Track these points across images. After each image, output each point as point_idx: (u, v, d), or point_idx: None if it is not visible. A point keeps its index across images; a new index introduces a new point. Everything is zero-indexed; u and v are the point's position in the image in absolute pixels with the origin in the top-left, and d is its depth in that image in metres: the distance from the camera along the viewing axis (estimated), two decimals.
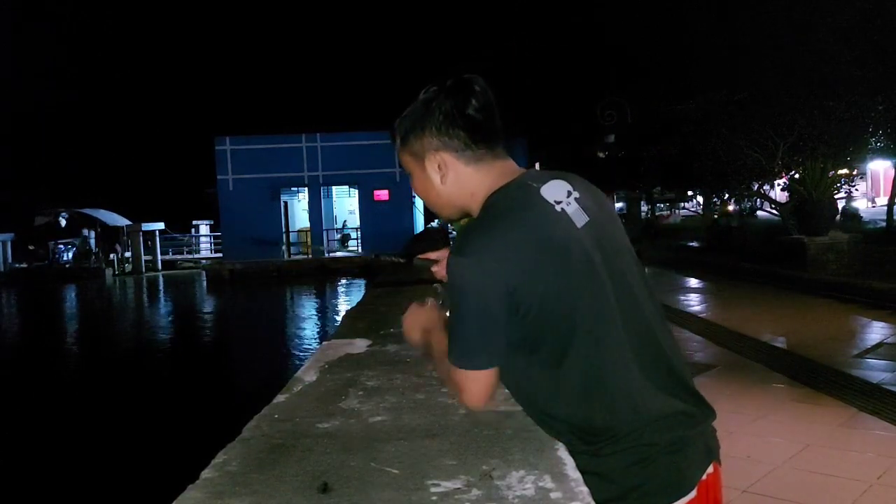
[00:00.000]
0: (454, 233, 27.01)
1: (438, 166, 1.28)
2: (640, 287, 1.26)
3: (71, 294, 26.05)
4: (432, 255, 1.55)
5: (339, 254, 28.55)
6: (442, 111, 1.25)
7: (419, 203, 29.63)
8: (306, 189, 28.38)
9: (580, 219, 1.22)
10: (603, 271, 1.20)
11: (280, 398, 2.36)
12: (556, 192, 1.23)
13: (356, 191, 28.56)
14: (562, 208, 1.21)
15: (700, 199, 23.88)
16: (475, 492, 1.48)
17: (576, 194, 1.25)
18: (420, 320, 1.42)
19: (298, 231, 29.09)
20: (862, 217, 17.75)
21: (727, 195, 15.38)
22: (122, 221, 32.22)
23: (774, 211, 14.25)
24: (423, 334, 1.40)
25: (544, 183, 1.24)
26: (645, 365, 1.20)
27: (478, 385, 1.23)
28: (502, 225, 1.18)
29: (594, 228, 1.23)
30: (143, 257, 31.44)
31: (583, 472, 1.25)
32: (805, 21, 10.72)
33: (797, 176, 12.76)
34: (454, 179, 1.28)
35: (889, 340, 6.84)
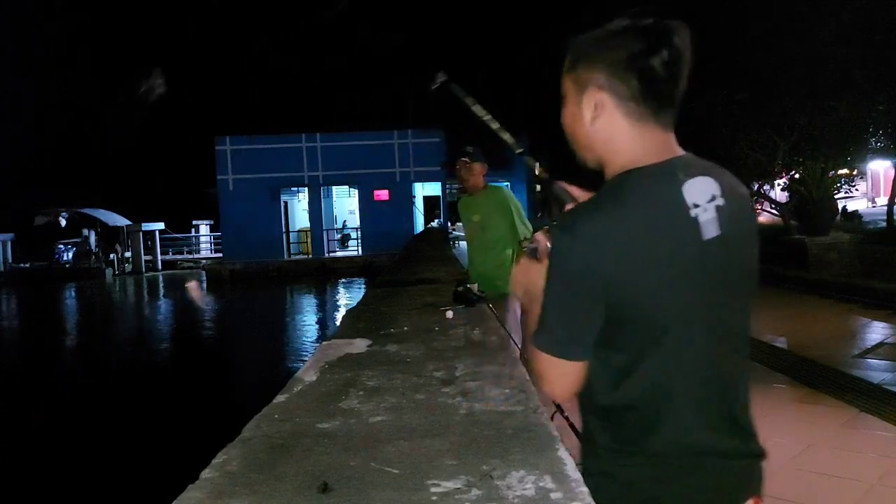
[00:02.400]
0: (454, 232, 27.01)
1: (595, 105, 1.16)
2: (737, 319, 1.18)
3: (71, 294, 26.06)
4: (575, 191, 1.37)
5: (339, 254, 28.56)
6: (626, 49, 1.11)
7: (419, 203, 29.63)
8: (306, 189, 28.42)
9: (710, 230, 1.11)
10: (708, 293, 1.11)
11: (280, 398, 2.35)
12: (699, 192, 1.12)
13: (356, 191, 28.59)
14: (695, 214, 1.10)
15: None
16: (475, 492, 1.47)
17: (719, 201, 1.13)
18: (525, 279, 1.29)
19: (298, 231, 29.13)
20: (862, 217, 17.76)
21: None
22: (122, 221, 32.27)
23: (774, 211, 14.26)
24: (526, 296, 1.29)
25: (691, 178, 1.12)
26: (709, 393, 1.15)
27: (561, 376, 1.15)
28: (622, 213, 1.08)
29: (721, 245, 1.11)
30: (143, 257, 31.49)
31: (604, 474, 1.20)
32: (806, 20, 10.73)
33: (797, 176, 12.76)
34: (604, 127, 1.16)
35: (890, 340, 6.84)
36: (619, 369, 1.12)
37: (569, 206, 1.33)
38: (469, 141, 5.11)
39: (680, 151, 1.17)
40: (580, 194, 1.34)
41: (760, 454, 1.21)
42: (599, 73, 1.14)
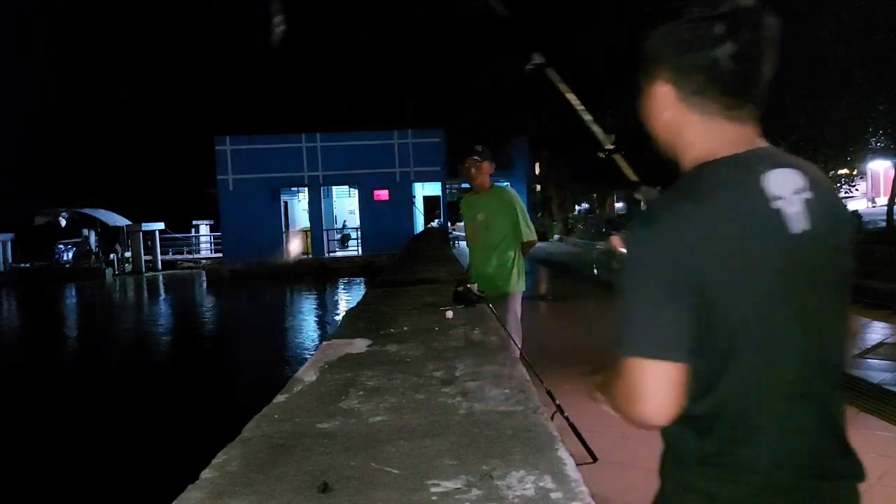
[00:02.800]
0: (454, 232, 27.00)
1: (662, 99, 1.11)
2: (832, 323, 1.08)
3: (71, 294, 26.07)
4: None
5: (339, 254, 28.56)
6: (687, 42, 1.05)
7: (419, 203, 29.63)
8: (306, 189, 28.43)
9: (798, 224, 1.01)
10: (798, 292, 1.02)
11: (280, 398, 2.36)
12: (782, 183, 1.03)
13: (356, 191, 28.60)
14: (778, 206, 1.01)
15: None
16: (475, 492, 1.48)
17: (807, 194, 1.03)
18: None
19: (299, 231, 29.12)
20: (862, 217, 17.79)
21: None
22: (122, 221, 32.28)
23: None
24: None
25: (773, 168, 1.04)
26: (806, 405, 1.05)
27: (664, 385, 0.99)
28: (702, 204, 1.01)
29: (812, 241, 1.02)
30: (143, 257, 31.49)
31: (686, 487, 1.08)
32: (806, 20, 10.74)
33: None
34: (672, 120, 1.11)
35: (889, 340, 6.84)
36: (704, 375, 1.02)
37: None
38: (475, 140, 5.14)
39: (761, 143, 1.09)
40: None
41: (862, 476, 1.10)
42: (665, 66, 1.09)
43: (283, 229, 28.24)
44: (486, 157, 4.89)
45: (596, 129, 1.51)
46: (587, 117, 1.51)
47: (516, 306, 4.77)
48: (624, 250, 1.22)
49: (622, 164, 1.46)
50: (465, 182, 5.16)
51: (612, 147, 1.51)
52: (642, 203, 1.36)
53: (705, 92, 1.06)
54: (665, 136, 1.15)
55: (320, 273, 25.23)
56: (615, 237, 1.29)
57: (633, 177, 1.41)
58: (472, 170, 4.88)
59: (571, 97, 1.53)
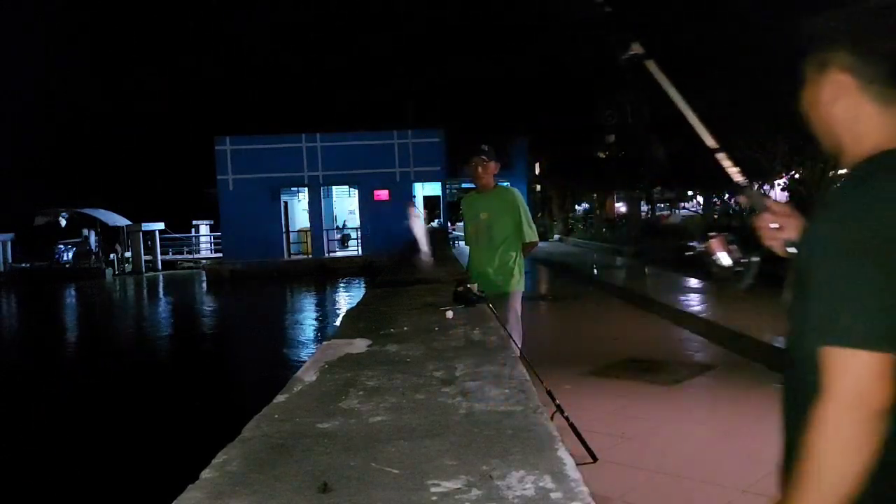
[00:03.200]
0: (454, 232, 27.00)
1: (837, 88, 1.06)
2: None
3: (71, 294, 26.07)
4: (778, 209, 1.29)
5: (339, 254, 28.56)
6: (876, 28, 1.02)
7: (419, 203, 29.63)
8: (306, 189, 28.43)
9: None
10: None
11: (280, 398, 2.36)
12: None
13: (356, 191, 28.61)
14: None
15: (700, 198, 23.97)
16: (475, 492, 1.48)
17: None
18: None
19: (299, 231, 29.13)
20: None
21: (727, 195, 15.41)
22: (122, 221, 32.28)
23: None
24: None
25: None
26: None
27: (869, 371, 0.92)
28: None
29: None
30: (143, 257, 31.50)
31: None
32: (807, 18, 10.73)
33: (797, 176, 12.78)
34: (846, 110, 1.06)
35: None
36: None
37: (764, 214, 1.25)
38: (481, 140, 5.18)
39: None
40: (772, 203, 1.29)
41: None
42: (844, 53, 1.05)
43: (283, 229, 28.25)
44: (492, 157, 4.92)
45: (700, 128, 1.47)
46: (690, 114, 1.46)
47: (516, 306, 4.78)
48: (722, 253, 1.17)
49: (726, 165, 1.42)
50: (465, 182, 5.18)
51: (717, 147, 1.47)
52: (748, 205, 1.31)
53: (889, 80, 1.02)
54: (832, 125, 1.10)
55: (320, 273, 25.24)
56: (714, 240, 1.26)
57: (738, 178, 1.38)
58: (479, 168, 4.91)
59: (672, 92, 1.48)
